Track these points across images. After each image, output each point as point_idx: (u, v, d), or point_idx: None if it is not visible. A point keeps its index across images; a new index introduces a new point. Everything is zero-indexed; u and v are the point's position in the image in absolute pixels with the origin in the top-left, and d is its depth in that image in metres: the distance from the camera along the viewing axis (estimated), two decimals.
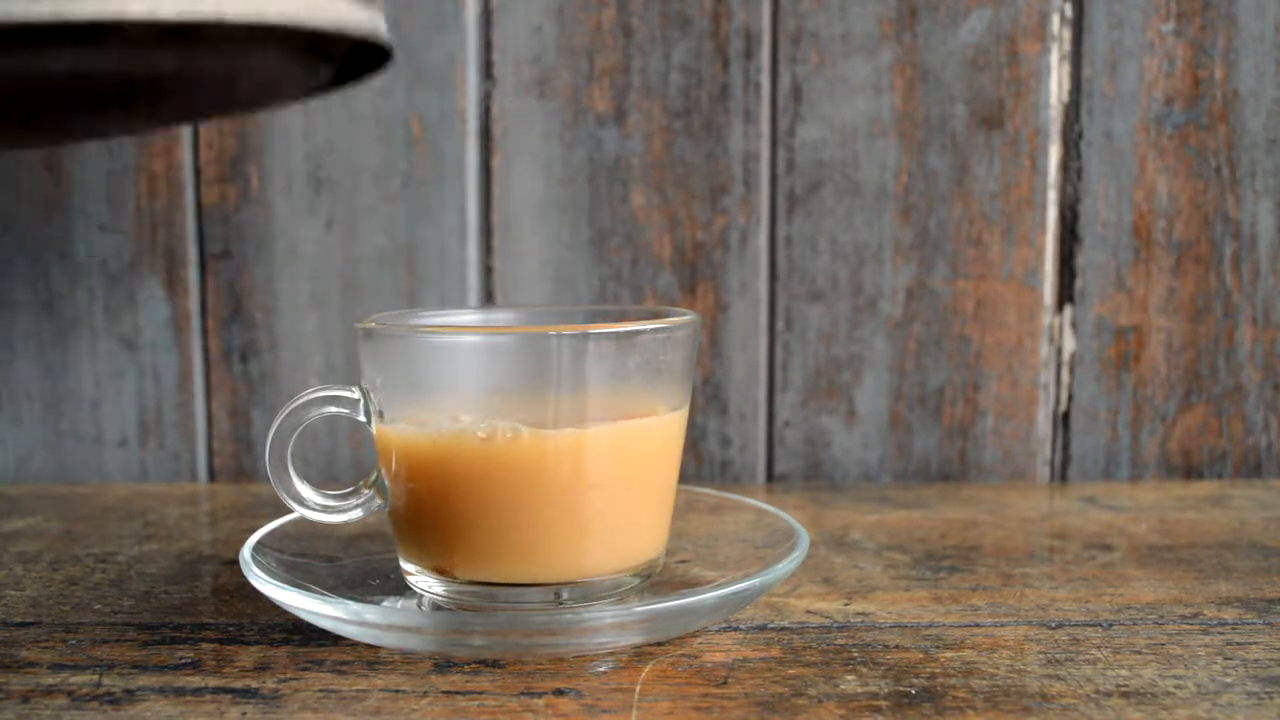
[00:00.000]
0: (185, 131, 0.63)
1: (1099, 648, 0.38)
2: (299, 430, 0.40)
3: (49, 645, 0.39)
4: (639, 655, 0.38)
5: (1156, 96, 0.63)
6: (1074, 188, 0.64)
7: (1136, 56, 0.63)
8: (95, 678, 0.36)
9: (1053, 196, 0.64)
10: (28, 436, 0.65)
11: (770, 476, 0.65)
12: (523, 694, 0.35)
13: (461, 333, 0.43)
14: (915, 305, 0.64)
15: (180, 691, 0.35)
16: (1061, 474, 0.65)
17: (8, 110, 0.36)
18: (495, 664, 0.37)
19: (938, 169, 0.63)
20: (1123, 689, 0.35)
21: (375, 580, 0.43)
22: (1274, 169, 0.63)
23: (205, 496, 0.61)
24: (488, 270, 0.64)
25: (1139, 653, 0.38)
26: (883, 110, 0.63)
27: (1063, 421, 0.65)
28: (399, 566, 0.42)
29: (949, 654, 0.38)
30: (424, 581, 0.41)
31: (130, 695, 0.35)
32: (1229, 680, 0.35)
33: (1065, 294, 0.64)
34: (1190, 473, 0.65)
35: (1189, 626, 0.40)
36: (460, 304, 0.64)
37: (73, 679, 0.36)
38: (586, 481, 0.39)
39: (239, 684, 0.35)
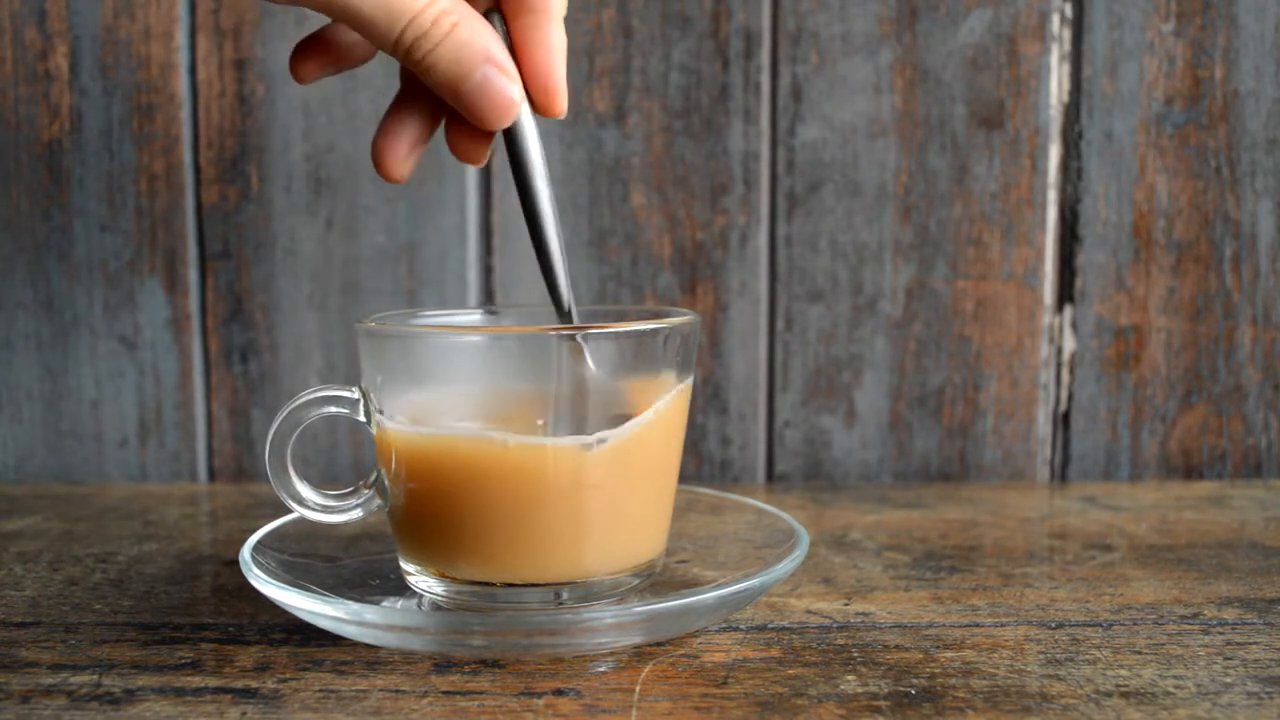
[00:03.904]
0: (185, 131, 0.63)
1: (1099, 648, 0.38)
2: (299, 430, 0.40)
3: (49, 645, 0.39)
4: (639, 655, 0.38)
5: (1156, 96, 0.63)
6: (1074, 188, 0.64)
7: (1136, 56, 0.63)
8: (95, 678, 0.36)
9: (1053, 196, 0.64)
10: (28, 436, 0.65)
11: (770, 476, 0.65)
12: (523, 694, 0.35)
13: (461, 333, 0.43)
14: (915, 305, 0.64)
15: (180, 691, 0.35)
16: (1061, 474, 0.65)
17: None
18: (495, 664, 0.37)
19: (938, 169, 0.63)
20: (1123, 689, 0.35)
21: (375, 580, 0.43)
22: (1274, 169, 0.63)
23: (205, 496, 0.61)
24: (488, 270, 0.64)
25: (1139, 653, 0.38)
26: (883, 110, 0.63)
27: (1063, 421, 0.65)
28: (399, 566, 0.42)
29: (949, 654, 0.38)
30: (424, 581, 0.41)
31: (130, 695, 0.35)
32: (1229, 680, 0.35)
33: (1065, 294, 0.64)
34: (1190, 473, 0.65)
35: (1189, 626, 0.40)
36: (460, 304, 0.64)
37: (73, 679, 0.36)
38: (586, 481, 0.39)
39: (239, 684, 0.35)
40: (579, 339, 0.38)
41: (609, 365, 0.39)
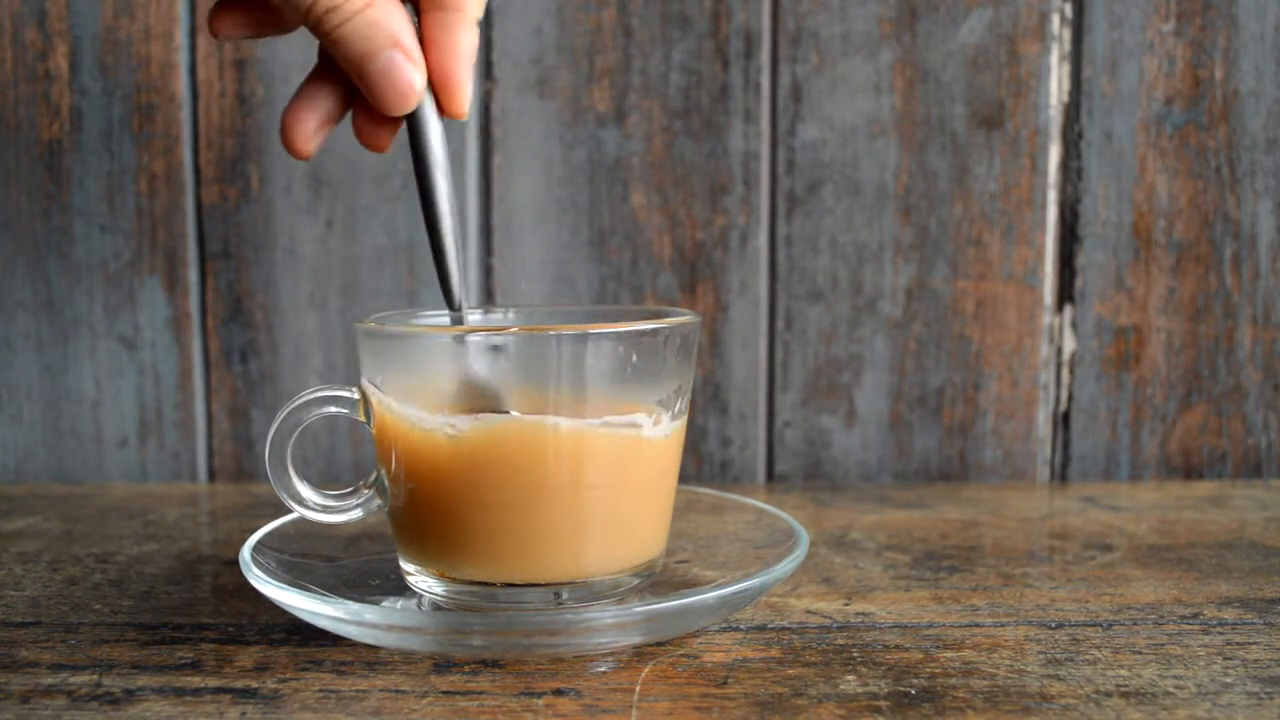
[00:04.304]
0: (185, 131, 0.63)
1: (1099, 648, 0.38)
2: (299, 430, 0.40)
3: (49, 645, 0.39)
4: (639, 655, 0.38)
5: (1156, 96, 0.63)
6: (1074, 188, 0.64)
7: (1136, 56, 0.63)
8: (95, 678, 0.36)
9: (1053, 196, 0.64)
10: (28, 436, 0.65)
11: (770, 476, 0.65)
12: (523, 694, 0.35)
13: (461, 332, 0.43)
14: (915, 305, 0.64)
15: (180, 691, 0.35)
16: (1061, 474, 0.65)
17: None
18: (495, 664, 0.37)
19: (938, 169, 0.63)
20: (1123, 689, 0.35)
21: (375, 580, 0.43)
22: (1274, 169, 0.63)
23: (205, 496, 0.61)
24: (488, 270, 0.64)
25: (1139, 653, 0.38)
26: (883, 110, 0.63)
27: (1063, 421, 0.65)
28: (399, 566, 0.42)
29: (949, 654, 0.38)
30: (424, 581, 0.41)
31: (130, 695, 0.35)
32: (1229, 680, 0.35)
33: (1065, 294, 0.64)
34: (1190, 473, 0.65)
35: (1189, 626, 0.40)
36: None
37: (73, 679, 0.36)
38: (586, 481, 0.39)
39: (239, 684, 0.35)
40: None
41: (609, 365, 0.39)
